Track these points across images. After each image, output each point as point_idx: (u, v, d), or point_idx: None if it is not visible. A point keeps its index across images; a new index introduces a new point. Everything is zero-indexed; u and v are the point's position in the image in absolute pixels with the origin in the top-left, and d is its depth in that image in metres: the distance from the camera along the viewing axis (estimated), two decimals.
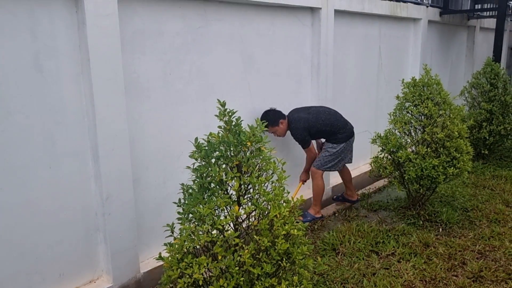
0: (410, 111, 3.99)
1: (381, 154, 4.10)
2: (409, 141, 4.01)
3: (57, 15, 2.51)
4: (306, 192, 4.29)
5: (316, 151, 4.11)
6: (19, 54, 2.38)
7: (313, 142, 4.08)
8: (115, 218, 2.83)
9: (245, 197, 2.11)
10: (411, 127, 4.00)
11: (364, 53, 5.16)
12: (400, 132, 3.99)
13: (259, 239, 1.96)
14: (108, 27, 2.64)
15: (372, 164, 4.24)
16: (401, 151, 3.82)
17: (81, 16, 2.56)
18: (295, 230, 2.01)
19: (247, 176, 2.06)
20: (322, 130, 3.93)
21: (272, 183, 2.18)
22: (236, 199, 2.09)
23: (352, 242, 3.45)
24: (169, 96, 3.17)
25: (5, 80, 2.35)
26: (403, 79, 4.22)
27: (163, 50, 3.08)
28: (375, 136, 4.09)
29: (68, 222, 2.72)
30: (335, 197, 4.56)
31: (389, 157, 4.02)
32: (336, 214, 4.19)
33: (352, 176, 4.44)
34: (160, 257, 2.15)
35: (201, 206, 1.99)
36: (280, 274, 2.07)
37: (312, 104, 4.34)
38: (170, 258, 2.08)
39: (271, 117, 3.78)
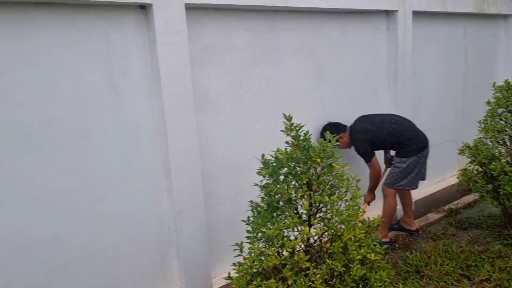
0: (503, 118, 3.58)
1: (470, 166, 3.71)
2: (503, 151, 3.59)
3: (129, 35, 2.59)
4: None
5: (380, 167, 3.63)
6: (95, 74, 2.48)
7: (380, 153, 3.74)
8: (187, 233, 2.83)
9: (316, 216, 1.97)
10: (506, 135, 3.58)
11: (447, 56, 4.77)
12: (492, 142, 3.59)
13: (332, 263, 1.80)
14: (177, 44, 2.67)
15: (460, 177, 3.85)
16: (494, 163, 3.41)
17: (152, 35, 2.62)
18: (372, 254, 1.83)
19: (318, 195, 1.92)
20: (387, 141, 3.54)
21: (345, 202, 2.02)
22: (306, 219, 1.96)
23: (439, 264, 3.13)
24: (238, 109, 3.13)
25: (83, 99, 2.45)
26: (495, 83, 3.81)
27: (231, 64, 3.06)
28: (463, 146, 3.72)
29: (143, 236, 2.77)
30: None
31: (479, 169, 3.62)
32: (420, 232, 3.85)
33: (437, 189, 4.09)
34: (229, 277, 2.08)
35: (269, 226, 1.89)
36: None
37: (390, 113, 4.07)
38: (239, 278, 2.00)
39: (330, 132, 3.50)
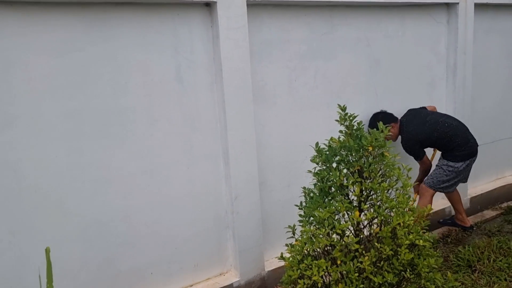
0: None
1: None
2: None
3: (195, 32, 2.80)
4: None
5: (430, 161, 3.62)
6: (164, 68, 2.72)
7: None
8: (242, 217, 3.01)
9: (367, 203, 2.06)
10: None
11: (510, 50, 4.58)
12: None
13: (381, 247, 1.90)
14: (238, 39, 2.84)
15: None
16: None
17: (215, 30, 2.81)
18: (421, 241, 1.90)
19: (368, 182, 2.01)
20: (437, 144, 3.49)
21: (396, 190, 2.10)
22: (356, 205, 2.06)
23: (492, 260, 3.10)
24: (294, 102, 3.26)
25: (153, 90, 2.70)
26: None
27: (288, 58, 3.19)
28: None
29: (202, 218, 2.99)
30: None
31: None
32: (474, 228, 3.79)
33: (495, 187, 3.99)
34: (282, 257, 2.23)
35: (320, 209, 2.01)
36: (404, 286, 1.98)
37: (447, 108, 4.03)
38: (291, 258, 2.15)
39: (380, 120, 3.47)
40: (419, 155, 3.48)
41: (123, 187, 2.68)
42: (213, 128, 2.94)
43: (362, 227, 2.09)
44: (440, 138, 3.43)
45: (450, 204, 3.90)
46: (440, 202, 4.15)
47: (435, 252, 2.05)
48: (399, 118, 3.63)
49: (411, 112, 3.64)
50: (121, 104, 2.60)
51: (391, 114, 3.59)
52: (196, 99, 2.86)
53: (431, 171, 3.59)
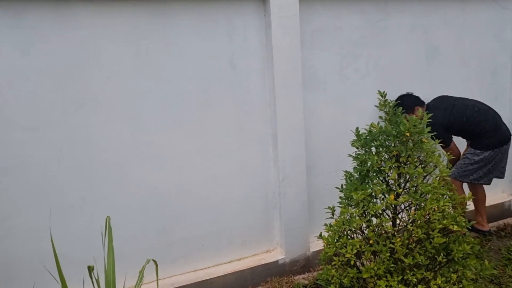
0: None
1: None
2: None
3: (249, 20, 2.95)
4: None
5: (459, 150, 3.38)
6: (218, 54, 2.90)
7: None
8: (289, 198, 3.16)
9: (403, 187, 2.12)
10: None
11: None
12: None
13: (413, 229, 1.96)
14: (289, 27, 2.95)
15: None
16: None
17: (268, 19, 2.94)
18: (455, 226, 1.93)
19: (405, 167, 2.06)
20: (464, 130, 3.24)
21: (436, 176, 2.13)
22: (393, 189, 2.12)
23: None
24: (344, 89, 3.32)
25: (208, 76, 2.90)
26: None
27: (340, 45, 3.24)
28: None
29: (251, 197, 3.17)
30: None
31: None
32: (492, 233, 3.52)
33: None
34: (320, 236, 2.35)
35: (358, 191, 2.10)
36: (436, 269, 2.02)
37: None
38: (328, 237, 2.26)
39: (405, 102, 3.27)
40: (445, 142, 3.15)
41: (179, 165, 2.92)
42: (263, 113, 3.09)
43: (400, 211, 2.15)
44: (468, 124, 3.21)
45: (511, 199, 3.74)
46: (499, 196, 4.01)
47: (472, 239, 2.06)
48: (426, 102, 3.45)
49: (440, 97, 3.46)
50: (179, 88, 2.84)
51: (417, 97, 3.42)
52: (248, 84, 3.02)
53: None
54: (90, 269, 1.74)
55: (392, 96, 3.45)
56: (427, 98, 3.57)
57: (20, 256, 2.59)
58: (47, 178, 2.60)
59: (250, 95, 3.04)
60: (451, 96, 3.45)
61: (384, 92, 2.22)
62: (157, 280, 2.19)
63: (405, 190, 2.11)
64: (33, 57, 2.47)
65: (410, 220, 2.05)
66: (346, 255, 2.04)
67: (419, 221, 1.98)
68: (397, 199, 2.04)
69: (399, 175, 2.10)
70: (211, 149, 3.00)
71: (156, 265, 2.14)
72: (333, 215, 2.39)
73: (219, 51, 2.90)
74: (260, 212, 3.22)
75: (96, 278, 1.81)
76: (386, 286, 1.92)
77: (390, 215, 2.13)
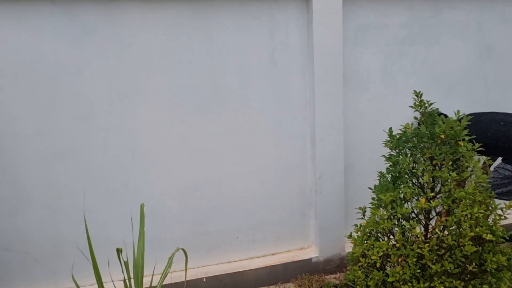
0: None
1: None
2: None
3: (291, 17, 2.95)
4: None
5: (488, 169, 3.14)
6: (259, 51, 2.93)
7: None
8: (325, 196, 3.13)
9: (435, 190, 2.03)
10: None
11: None
12: None
13: (443, 235, 1.88)
14: (332, 24, 2.92)
15: None
16: None
17: (310, 16, 2.92)
18: (489, 235, 1.82)
19: (438, 170, 1.98)
20: (491, 145, 2.89)
21: (474, 182, 2.02)
22: (425, 192, 2.04)
23: None
24: (388, 87, 3.23)
25: (248, 72, 2.94)
26: None
27: (385, 43, 3.15)
28: None
29: (287, 193, 3.18)
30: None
31: None
32: None
33: None
34: (350, 236, 2.32)
35: (387, 193, 2.05)
36: (467, 279, 1.92)
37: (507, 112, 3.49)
38: (357, 238, 2.23)
39: None
40: None
41: (217, 158, 2.99)
42: (302, 110, 3.09)
43: (431, 216, 2.06)
44: (495, 138, 2.95)
45: None
46: None
47: (510, 250, 1.94)
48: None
49: (469, 114, 3.17)
50: (219, 83, 2.90)
51: (441, 114, 3.18)
52: (288, 81, 3.03)
53: None
54: (119, 251, 1.85)
55: (441, 97, 3.31)
56: (479, 101, 3.38)
57: (66, 235, 2.79)
58: (93, 165, 2.77)
59: (290, 91, 3.04)
60: (481, 112, 3.22)
61: (419, 92, 2.14)
62: (186, 268, 2.28)
63: (436, 193, 2.02)
64: (84, 51, 2.64)
65: (441, 226, 1.96)
66: (372, 257, 2.00)
67: (450, 228, 1.90)
68: (429, 203, 1.96)
69: (432, 179, 2.02)
70: (248, 144, 3.04)
71: (186, 254, 2.24)
72: (364, 215, 2.34)
73: (259, 47, 2.93)
74: (296, 209, 3.23)
75: (125, 260, 1.92)
76: None
77: (423, 220, 2.05)
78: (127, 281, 1.90)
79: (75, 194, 2.76)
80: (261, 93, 3.00)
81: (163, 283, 2.88)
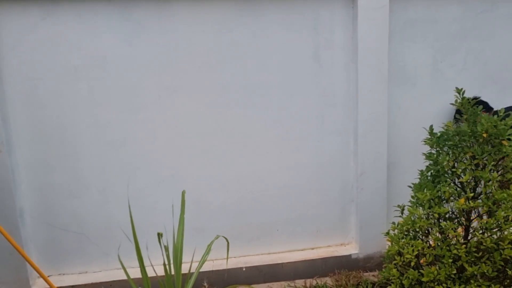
0: None
1: None
2: None
3: (336, 13, 2.95)
4: None
5: None
6: (302, 47, 2.96)
7: None
8: (367, 193, 3.11)
9: (476, 191, 1.97)
10: None
11: None
12: None
13: (481, 238, 1.83)
14: (377, 19, 2.88)
15: None
16: None
17: (355, 11, 2.90)
18: None
19: (480, 169, 1.92)
20: None
21: None
22: (465, 192, 1.99)
23: None
24: (437, 84, 3.13)
25: (291, 67, 2.98)
26: None
27: (435, 38, 3.06)
28: None
29: (328, 188, 3.19)
30: None
31: None
32: None
33: None
34: (387, 233, 2.31)
35: (424, 192, 2.02)
36: (506, 283, 1.86)
37: None
38: (394, 236, 2.21)
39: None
40: None
41: (260, 151, 3.07)
42: (345, 105, 3.08)
43: (472, 217, 2.01)
44: None
45: None
46: None
47: None
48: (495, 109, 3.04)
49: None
50: (262, 79, 2.97)
51: (484, 102, 3.03)
52: (331, 77, 3.03)
53: None
54: (159, 235, 1.97)
55: (495, 95, 3.16)
56: None
57: (116, 219, 2.98)
58: (143, 155, 2.94)
59: (333, 87, 3.05)
60: None
61: (461, 89, 2.07)
62: (227, 254, 2.38)
63: (480, 196, 1.97)
64: (136, 47, 2.80)
65: (480, 228, 1.91)
66: (406, 256, 1.99)
67: (490, 230, 1.84)
68: (468, 204, 1.91)
69: (474, 179, 1.96)
70: (291, 138, 3.08)
71: (227, 240, 2.34)
72: (402, 213, 2.32)
73: (303, 43, 2.96)
74: (337, 205, 3.23)
75: (165, 244, 2.04)
76: None
77: (463, 221, 2.01)
78: (166, 264, 2.03)
79: (125, 181, 2.94)
80: (304, 88, 3.02)
81: (205, 270, 3.02)
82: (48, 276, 3.04)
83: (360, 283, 2.84)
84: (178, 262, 2.08)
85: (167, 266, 2.03)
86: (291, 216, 3.20)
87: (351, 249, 3.25)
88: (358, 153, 3.06)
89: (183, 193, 2.24)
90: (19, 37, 2.70)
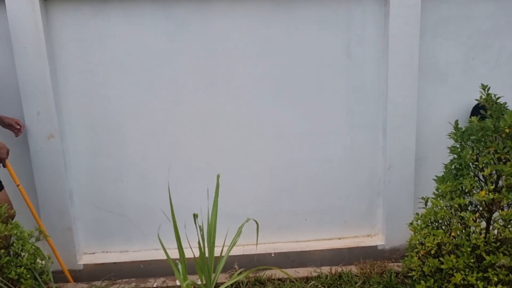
0: None
1: None
2: None
3: (368, 10, 3.04)
4: None
5: None
6: (334, 43, 3.07)
7: None
8: (394, 187, 3.19)
9: (498, 184, 2.04)
10: None
11: None
12: None
13: (500, 228, 1.90)
14: (409, 17, 2.95)
15: None
16: None
17: (387, 9, 2.98)
18: None
19: (502, 164, 1.99)
20: None
21: None
22: (486, 185, 2.06)
23: None
24: (469, 81, 3.16)
25: (323, 63, 3.10)
26: None
27: (468, 35, 3.09)
28: None
29: (356, 181, 3.30)
30: None
31: None
32: None
33: None
34: (411, 224, 2.40)
35: (448, 183, 2.10)
36: None
37: None
38: (416, 225, 2.31)
39: (480, 108, 2.79)
40: None
41: (290, 143, 3.21)
42: (375, 101, 3.17)
43: (494, 209, 2.08)
44: None
45: None
46: None
47: None
48: None
49: None
50: (295, 73, 3.10)
51: None
52: (362, 72, 3.13)
53: None
54: (195, 216, 2.16)
55: None
56: None
57: (156, 203, 3.21)
58: (181, 144, 3.15)
59: (364, 82, 3.14)
60: None
61: (487, 85, 2.14)
62: (257, 238, 2.54)
63: (501, 188, 2.03)
64: (177, 43, 3.00)
65: (500, 219, 1.98)
66: (427, 244, 2.08)
67: (508, 221, 1.91)
68: (488, 196, 1.98)
69: (496, 172, 2.03)
70: (321, 131, 3.20)
71: (257, 223, 2.50)
72: (426, 205, 2.40)
73: (335, 39, 3.06)
74: (364, 197, 3.33)
75: (200, 225, 2.23)
76: (463, 280, 1.92)
77: (483, 212, 2.08)
78: (201, 242, 2.22)
79: (164, 168, 3.16)
80: (335, 83, 3.14)
81: (236, 254, 3.20)
82: (93, 253, 3.32)
83: (384, 272, 2.93)
84: (211, 241, 2.27)
85: (201, 244, 2.22)
86: (320, 206, 3.33)
87: (377, 240, 3.34)
88: (386, 147, 3.14)
89: (218, 176, 2.42)
90: (72, 33, 2.95)
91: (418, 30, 2.97)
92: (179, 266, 2.24)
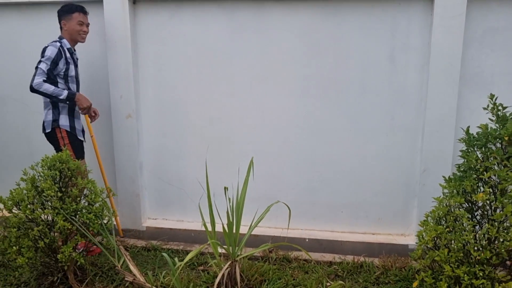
0: None
1: None
2: None
3: (413, 18, 3.20)
4: None
5: None
6: (379, 49, 3.28)
7: None
8: (429, 189, 3.31)
9: (497, 188, 2.15)
10: None
11: None
12: None
13: (489, 228, 2.03)
14: (452, 27, 3.06)
15: None
16: None
17: (432, 18, 3.12)
18: None
19: (499, 169, 2.10)
20: None
21: None
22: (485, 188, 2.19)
23: None
24: None
25: (366, 67, 3.32)
26: None
27: None
28: None
29: (392, 181, 3.47)
30: None
31: None
32: None
33: None
34: (425, 222, 2.58)
35: (451, 183, 2.26)
36: None
37: None
38: (425, 222, 2.49)
39: None
40: None
41: (332, 138, 3.49)
42: (416, 105, 3.31)
43: (489, 210, 2.20)
44: None
45: None
46: None
47: None
48: None
49: None
50: (339, 75, 3.38)
51: None
52: (404, 78, 3.29)
53: None
54: (226, 189, 2.58)
55: None
56: None
57: (190, 179, 3.71)
58: (234, 131, 3.60)
59: (405, 88, 3.30)
60: None
61: (494, 95, 2.24)
62: (289, 221, 2.88)
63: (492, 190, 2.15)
64: (236, 42, 3.45)
65: (491, 219, 2.10)
66: (426, 237, 2.27)
67: (497, 222, 2.03)
68: (483, 197, 2.12)
69: (497, 177, 2.14)
70: (361, 130, 3.43)
71: (289, 208, 2.86)
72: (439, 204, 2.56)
73: (380, 45, 3.28)
74: (399, 197, 3.49)
75: (230, 197, 2.65)
76: (452, 271, 2.09)
77: (479, 213, 2.21)
78: (229, 212, 2.64)
79: (218, 151, 3.64)
80: (377, 86, 3.35)
81: (274, 235, 3.57)
82: (155, 219, 3.92)
83: (404, 267, 3.09)
84: (239, 212, 2.68)
85: (229, 214, 2.64)
86: (356, 201, 3.56)
87: (409, 240, 3.48)
88: (423, 151, 3.27)
89: (252, 159, 2.82)
90: (152, 32, 3.55)
91: (461, 39, 3.07)
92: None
